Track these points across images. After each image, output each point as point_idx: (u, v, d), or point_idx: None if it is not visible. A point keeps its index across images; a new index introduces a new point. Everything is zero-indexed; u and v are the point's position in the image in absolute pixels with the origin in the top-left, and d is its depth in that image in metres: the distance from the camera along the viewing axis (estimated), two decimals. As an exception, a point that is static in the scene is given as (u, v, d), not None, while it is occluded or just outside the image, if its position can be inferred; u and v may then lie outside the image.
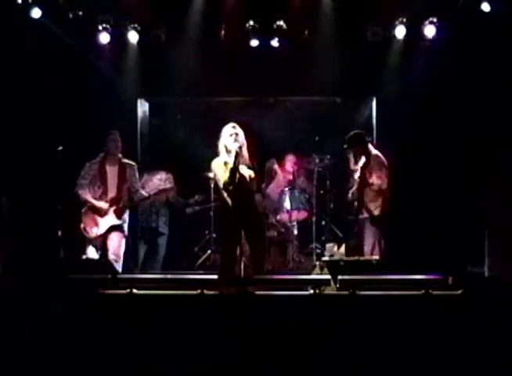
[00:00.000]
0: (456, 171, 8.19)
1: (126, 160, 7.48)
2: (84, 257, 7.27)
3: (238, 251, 6.65)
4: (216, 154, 6.64)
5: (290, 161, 9.28)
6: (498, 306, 4.87)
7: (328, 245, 8.73)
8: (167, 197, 8.65)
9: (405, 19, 8.30)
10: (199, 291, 5.03)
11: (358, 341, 4.80)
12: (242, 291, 5.14)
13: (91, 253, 7.33)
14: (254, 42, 8.45)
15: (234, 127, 6.61)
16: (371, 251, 7.34)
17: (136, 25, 8.45)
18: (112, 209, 7.35)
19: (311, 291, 5.10)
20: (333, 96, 9.30)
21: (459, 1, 8.00)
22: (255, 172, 6.67)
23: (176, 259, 8.91)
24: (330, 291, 5.25)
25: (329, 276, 5.43)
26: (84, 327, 4.89)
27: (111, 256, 7.24)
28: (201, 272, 8.09)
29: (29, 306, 4.99)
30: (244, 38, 8.43)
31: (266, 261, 7.02)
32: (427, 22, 8.24)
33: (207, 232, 9.04)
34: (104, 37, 8.39)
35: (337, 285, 5.20)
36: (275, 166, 9.25)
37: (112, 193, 7.37)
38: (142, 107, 9.25)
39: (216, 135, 6.71)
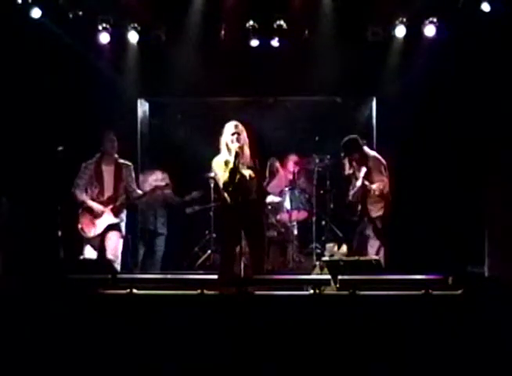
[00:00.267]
0: (456, 171, 8.19)
1: (122, 161, 7.53)
2: (81, 257, 7.29)
3: (238, 251, 6.66)
4: (217, 152, 6.65)
5: (290, 161, 9.28)
6: (498, 306, 4.87)
7: (328, 245, 8.73)
8: (163, 194, 8.66)
9: (405, 19, 8.29)
10: (199, 291, 5.03)
11: (359, 341, 4.79)
12: (242, 291, 5.14)
13: (89, 253, 7.35)
14: (254, 42, 8.44)
15: (236, 126, 6.61)
16: (375, 252, 7.35)
17: (136, 25, 8.44)
18: (109, 208, 7.38)
19: (311, 291, 5.10)
20: (333, 96, 9.30)
21: (459, 1, 8.00)
22: (256, 171, 6.67)
23: (176, 259, 8.91)
24: (330, 291, 5.25)
25: (329, 276, 5.42)
26: (84, 327, 4.89)
27: (109, 255, 7.26)
28: (201, 272, 8.09)
29: (29, 306, 4.99)
30: (244, 38, 8.43)
31: (266, 261, 7.03)
32: (427, 22, 8.23)
33: (207, 232, 9.04)
34: (104, 37, 8.38)
35: (337, 285, 5.20)
36: (277, 164, 9.26)
37: (109, 192, 7.42)
38: (142, 107, 9.25)
39: (216, 135, 6.71)
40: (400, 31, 8.35)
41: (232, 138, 6.53)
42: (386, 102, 8.68)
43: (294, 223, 9.02)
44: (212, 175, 7.64)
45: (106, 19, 8.35)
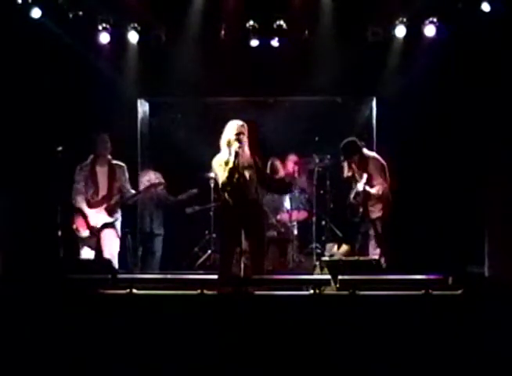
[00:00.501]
0: (456, 171, 8.19)
1: (115, 162, 7.58)
2: (80, 257, 7.31)
3: (238, 251, 6.66)
4: (217, 152, 6.65)
5: (290, 161, 9.28)
6: (498, 306, 4.87)
7: (328, 245, 8.74)
8: (156, 193, 8.66)
9: (405, 19, 8.29)
10: (199, 291, 5.03)
11: (359, 341, 4.79)
12: (241, 291, 5.14)
13: (86, 253, 7.37)
14: (254, 42, 8.44)
15: (242, 125, 6.59)
16: (377, 252, 7.36)
17: (136, 25, 8.44)
18: (103, 207, 7.41)
19: (311, 291, 5.10)
20: (333, 96, 9.30)
21: (459, 1, 8.00)
22: (257, 170, 6.67)
23: (176, 259, 8.91)
24: (330, 291, 5.24)
25: (329, 276, 5.43)
26: (84, 327, 4.89)
27: (106, 255, 7.29)
28: (201, 272, 8.09)
29: (29, 306, 4.99)
30: (244, 38, 8.43)
31: (266, 261, 7.02)
32: (427, 22, 8.23)
33: (207, 232, 9.04)
34: (104, 37, 8.38)
35: (337, 285, 5.20)
36: (278, 163, 9.25)
37: (103, 192, 7.49)
38: (142, 107, 9.24)
39: (216, 135, 6.71)
40: (400, 31, 8.35)
41: (235, 137, 6.52)
42: (386, 102, 8.68)
43: (294, 223, 9.02)
44: (212, 175, 7.64)
45: (106, 19, 8.35)
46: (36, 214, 8.01)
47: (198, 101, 9.44)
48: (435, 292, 5.01)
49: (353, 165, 7.63)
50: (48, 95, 8.28)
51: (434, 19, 8.20)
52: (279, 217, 9.10)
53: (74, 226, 7.40)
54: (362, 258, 6.72)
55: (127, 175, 7.63)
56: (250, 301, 5.05)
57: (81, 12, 8.22)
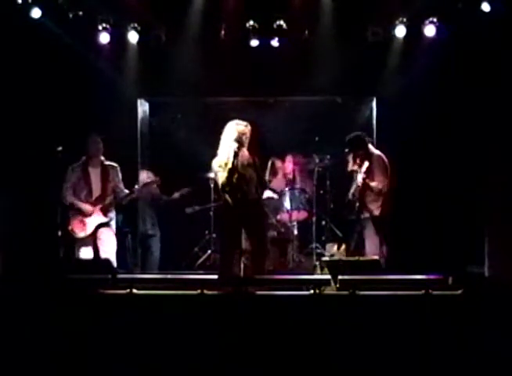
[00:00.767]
0: (456, 171, 8.19)
1: (108, 162, 7.61)
2: (80, 258, 7.32)
3: (238, 251, 6.66)
4: (217, 152, 6.65)
5: (290, 161, 9.28)
6: (498, 306, 4.87)
7: (328, 245, 8.74)
8: (150, 192, 8.66)
9: (405, 19, 8.29)
10: (199, 291, 5.03)
11: (358, 341, 4.79)
12: (242, 291, 5.14)
13: (83, 253, 7.38)
14: (254, 42, 8.44)
15: (237, 124, 6.60)
16: (373, 251, 7.34)
17: (136, 25, 8.44)
18: (98, 207, 7.42)
19: (311, 291, 5.10)
20: (333, 96, 9.30)
21: (459, 1, 8.00)
22: (256, 169, 6.67)
23: (176, 259, 8.91)
24: (330, 291, 5.25)
25: (329, 276, 5.43)
26: (84, 327, 4.89)
27: (103, 254, 7.30)
28: (201, 272, 8.10)
29: (29, 306, 4.99)
30: (244, 38, 8.43)
31: (267, 261, 7.03)
32: (427, 22, 8.23)
33: (207, 232, 9.04)
34: (104, 37, 8.38)
35: (337, 285, 5.20)
36: (278, 163, 9.25)
37: (97, 192, 7.53)
38: (142, 107, 9.24)
39: (216, 135, 6.71)
40: (400, 31, 8.34)
41: (232, 137, 6.52)
42: (386, 102, 8.68)
43: (294, 223, 9.02)
44: (212, 175, 7.64)
45: (106, 19, 8.35)
46: (36, 214, 8.01)
47: (198, 101, 9.43)
48: (435, 292, 5.01)
49: (357, 160, 7.60)
50: (48, 95, 8.28)
51: (434, 19, 8.19)
52: (279, 217, 9.10)
53: (70, 228, 7.41)
54: (362, 258, 6.72)
55: (120, 175, 7.66)
56: (250, 301, 5.05)
57: (81, 12, 8.22)
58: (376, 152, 7.60)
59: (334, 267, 5.83)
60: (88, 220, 7.43)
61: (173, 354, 4.82)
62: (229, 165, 6.47)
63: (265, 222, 7.39)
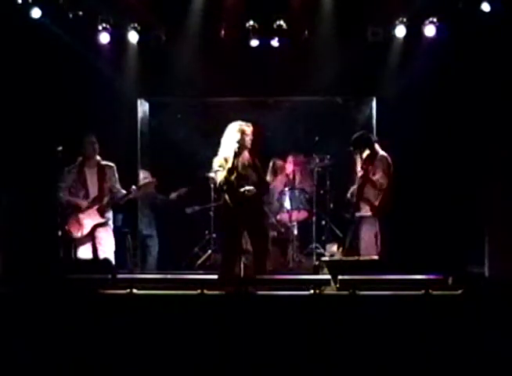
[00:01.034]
0: (456, 171, 8.19)
1: (104, 162, 7.58)
2: (79, 258, 7.33)
3: (239, 251, 6.66)
4: (216, 152, 6.65)
5: (290, 162, 9.28)
6: (498, 306, 4.87)
7: (328, 245, 8.74)
8: (146, 192, 8.67)
9: (405, 19, 8.30)
10: (199, 291, 5.03)
11: (358, 341, 4.79)
12: (242, 291, 5.14)
13: (82, 254, 7.38)
14: (254, 42, 8.44)
15: (240, 125, 6.60)
16: (367, 249, 7.32)
17: (136, 25, 8.45)
18: (95, 208, 7.42)
19: (311, 291, 5.10)
20: (333, 96, 9.30)
21: (459, 1, 8.00)
22: (256, 169, 6.68)
23: (176, 259, 8.91)
24: (330, 291, 5.25)
25: (329, 276, 5.43)
26: (84, 327, 4.89)
27: (101, 254, 7.30)
28: (201, 272, 8.10)
29: (29, 306, 4.99)
30: (244, 38, 8.43)
31: (268, 260, 7.03)
32: (427, 22, 8.24)
33: (207, 232, 9.05)
34: (104, 37, 8.39)
35: (337, 285, 5.20)
36: (279, 163, 9.26)
37: (93, 193, 7.50)
38: (142, 107, 9.24)
39: (216, 135, 6.72)
40: (400, 31, 8.35)
41: (232, 137, 6.53)
42: (386, 102, 8.68)
43: (294, 223, 9.02)
44: (212, 175, 7.64)
45: (106, 19, 8.36)
46: (36, 214, 8.01)
47: (198, 101, 9.44)
48: (435, 292, 5.01)
49: (365, 159, 7.56)
50: (48, 95, 8.29)
51: (434, 19, 8.20)
52: (279, 217, 9.11)
53: (66, 228, 7.41)
54: (362, 258, 6.72)
55: (116, 175, 7.64)
56: (251, 301, 5.05)
57: (81, 12, 8.22)
58: (381, 152, 7.57)
59: (334, 267, 5.83)
60: (84, 220, 7.41)
61: (173, 354, 4.82)
62: (229, 165, 6.47)
63: (265, 222, 7.38)
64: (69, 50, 8.32)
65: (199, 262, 8.83)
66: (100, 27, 8.36)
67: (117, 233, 7.91)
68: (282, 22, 8.32)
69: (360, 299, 4.99)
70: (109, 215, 7.62)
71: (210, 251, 8.86)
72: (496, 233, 7.75)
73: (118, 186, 7.60)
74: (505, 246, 7.61)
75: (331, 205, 8.91)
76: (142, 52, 8.65)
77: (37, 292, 5.13)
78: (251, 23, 8.35)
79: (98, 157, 7.56)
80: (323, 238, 8.90)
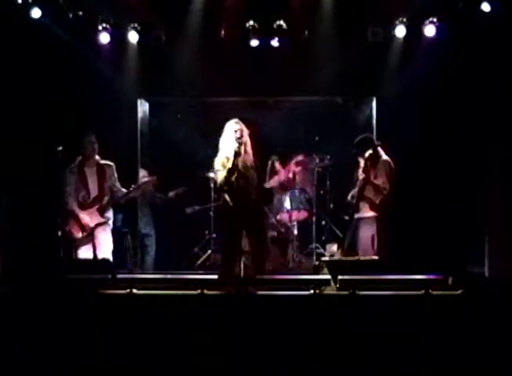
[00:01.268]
0: (456, 171, 8.19)
1: (104, 162, 7.57)
2: (79, 258, 7.33)
3: (239, 251, 6.66)
4: (217, 152, 6.65)
5: (290, 161, 9.28)
6: (498, 306, 4.87)
7: (328, 245, 8.75)
8: (146, 191, 8.67)
9: (405, 19, 8.30)
10: (199, 291, 5.03)
11: (358, 341, 4.79)
12: (242, 291, 5.14)
13: (82, 254, 7.38)
14: (254, 42, 8.44)
15: (237, 123, 6.60)
16: (364, 250, 7.32)
17: (136, 25, 8.45)
18: (95, 207, 7.43)
19: (311, 291, 5.10)
20: (333, 96, 9.30)
21: (459, 1, 8.00)
22: (257, 170, 6.68)
23: (176, 259, 8.91)
24: (330, 291, 5.25)
25: (329, 276, 5.43)
26: (84, 327, 4.89)
27: (100, 254, 7.30)
28: (201, 272, 8.10)
29: (29, 306, 4.99)
30: (244, 38, 8.43)
31: (267, 260, 7.03)
32: (427, 22, 8.24)
33: (207, 232, 9.05)
34: (104, 37, 8.39)
35: (337, 285, 5.20)
36: (278, 163, 9.26)
37: (94, 193, 7.49)
38: (142, 107, 9.25)
39: (216, 135, 6.71)
40: (400, 31, 8.35)
41: (232, 136, 6.53)
42: (386, 102, 8.68)
43: (294, 223, 9.03)
44: (212, 174, 7.65)
45: (106, 19, 8.36)
46: (36, 214, 8.01)
47: (198, 101, 9.44)
48: (435, 292, 5.01)
49: (368, 162, 7.55)
50: (48, 95, 8.29)
51: (434, 19, 8.20)
52: (279, 217, 9.11)
53: (67, 228, 7.41)
54: (362, 258, 6.72)
55: (116, 174, 7.63)
56: (251, 301, 5.05)
57: (81, 12, 8.22)
58: (385, 157, 7.55)
59: (334, 267, 5.83)
60: (85, 220, 7.41)
61: (173, 354, 4.82)
62: (229, 165, 6.47)
63: (264, 222, 7.38)
64: (69, 50, 8.31)
65: (199, 262, 8.84)
66: (100, 27, 8.36)
67: (117, 233, 7.91)
68: (282, 22, 8.32)
69: (360, 299, 4.99)
70: (110, 214, 7.61)
71: (210, 251, 8.87)
72: (496, 233, 7.75)
73: (118, 184, 7.60)
74: (505, 246, 7.61)
75: (331, 205, 8.92)
76: (142, 52, 8.65)
77: (37, 292, 5.13)
78: (251, 23, 8.35)
79: (97, 157, 7.56)
80: (323, 238, 8.91)
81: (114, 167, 7.61)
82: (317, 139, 9.02)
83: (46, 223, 7.77)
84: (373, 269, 5.83)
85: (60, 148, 7.39)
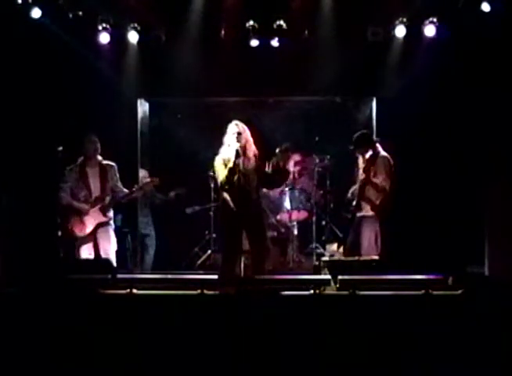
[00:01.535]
0: (456, 171, 8.19)
1: (106, 162, 7.58)
2: (80, 257, 7.33)
3: (239, 251, 6.66)
4: (217, 152, 6.66)
5: (290, 161, 9.26)
6: (498, 306, 4.87)
7: (328, 245, 8.74)
8: (146, 191, 8.66)
9: (405, 19, 8.29)
10: (199, 291, 5.03)
11: (359, 341, 4.79)
12: (242, 291, 5.14)
13: (84, 253, 7.38)
14: (254, 42, 8.43)
15: (237, 125, 6.61)
16: (368, 249, 7.32)
17: (136, 25, 8.44)
18: (97, 207, 7.42)
19: (311, 291, 5.10)
20: (333, 96, 9.30)
21: (459, 1, 8.00)
22: (257, 169, 6.68)
23: (176, 259, 8.91)
24: (330, 291, 5.25)
25: (329, 276, 5.43)
26: (84, 327, 4.89)
27: (103, 254, 7.31)
28: (201, 272, 8.10)
29: (29, 306, 4.99)
30: (244, 38, 8.43)
31: (267, 260, 7.03)
32: (427, 22, 8.23)
33: (207, 232, 9.04)
34: (104, 37, 8.38)
35: (337, 285, 5.20)
36: (279, 162, 9.24)
37: (96, 193, 7.50)
38: (142, 107, 9.25)
39: (216, 135, 6.72)
40: (400, 31, 8.34)
41: (233, 137, 6.55)
42: (386, 102, 8.67)
43: (294, 223, 9.02)
44: (212, 174, 7.65)
45: (106, 19, 8.35)
46: (36, 214, 8.01)
47: (198, 101, 9.44)
48: (435, 292, 5.02)
49: (366, 158, 7.55)
50: (48, 95, 8.28)
51: (434, 19, 8.19)
52: (279, 217, 9.11)
53: (69, 227, 7.41)
54: (362, 258, 6.72)
55: (117, 174, 7.63)
56: (251, 301, 5.05)
57: (81, 12, 8.21)
58: (383, 153, 7.56)
59: (334, 267, 5.83)
60: (87, 220, 7.42)
61: (173, 354, 4.83)
62: (230, 164, 6.47)
63: (264, 222, 7.38)
64: (69, 50, 8.31)
65: (199, 262, 8.83)
66: (100, 27, 8.35)
67: (117, 233, 7.90)
68: (282, 22, 8.31)
69: (360, 299, 5.00)
70: (111, 214, 7.62)
71: (210, 251, 8.86)
72: (496, 233, 7.76)
73: (120, 184, 7.61)
74: (505, 246, 7.61)
75: (331, 205, 8.91)
76: (142, 52, 8.64)
77: (37, 292, 5.13)
78: (251, 23, 8.34)
79: (99, 157, 7.56)
80: (323, 238, 8.90)
81: (116, 167, 7.62)
82: (317, 139, 9.02)
83: (46, 223, 7.76)
84: (373, 269, 5.83)
85: (60, 148, 7.40)
